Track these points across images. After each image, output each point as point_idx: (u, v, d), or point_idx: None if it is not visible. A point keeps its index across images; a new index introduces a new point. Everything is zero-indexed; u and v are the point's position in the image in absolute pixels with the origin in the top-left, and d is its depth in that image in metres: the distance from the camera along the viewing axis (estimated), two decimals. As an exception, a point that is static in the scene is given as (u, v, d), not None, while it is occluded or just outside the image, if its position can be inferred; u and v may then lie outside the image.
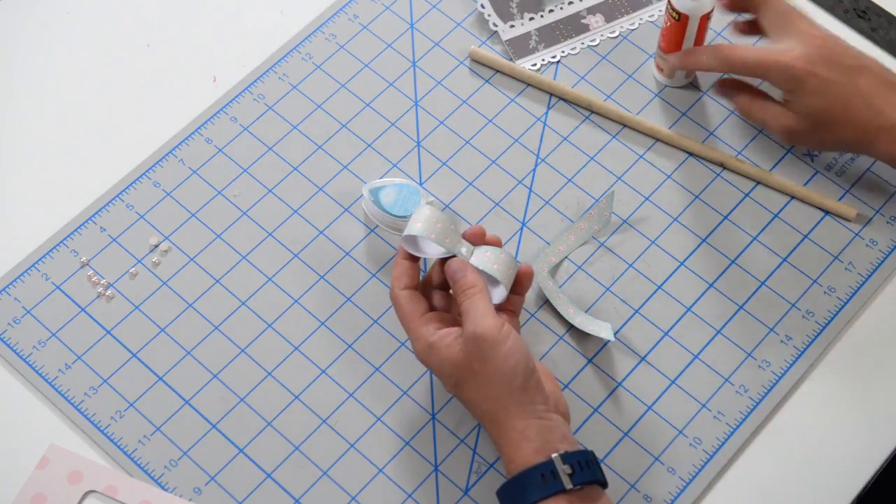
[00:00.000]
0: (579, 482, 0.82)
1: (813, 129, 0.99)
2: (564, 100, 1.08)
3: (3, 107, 1.07)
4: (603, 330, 0.96)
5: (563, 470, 0.82)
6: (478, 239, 0.90)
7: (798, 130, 0.99)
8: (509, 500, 0.84)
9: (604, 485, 0.84)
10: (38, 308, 0.98)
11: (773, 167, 1.04)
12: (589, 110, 1.07)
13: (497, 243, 0.91)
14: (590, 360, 0.97)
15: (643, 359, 0.97)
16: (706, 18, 1.02)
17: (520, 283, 0.90)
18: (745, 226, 1.02)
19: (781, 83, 0.98)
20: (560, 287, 0.99)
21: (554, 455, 0.82)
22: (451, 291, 0.91)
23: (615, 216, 1.02)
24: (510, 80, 1.09)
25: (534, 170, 1.04)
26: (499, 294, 0.90)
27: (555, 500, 0.82)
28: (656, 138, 1.06)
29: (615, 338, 0.97)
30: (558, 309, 0.97)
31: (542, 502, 0.82)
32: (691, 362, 0.97)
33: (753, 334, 0.98)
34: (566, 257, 1.00)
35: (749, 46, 1.01)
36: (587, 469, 0.83)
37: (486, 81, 1.09)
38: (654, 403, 0.95)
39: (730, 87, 1.04)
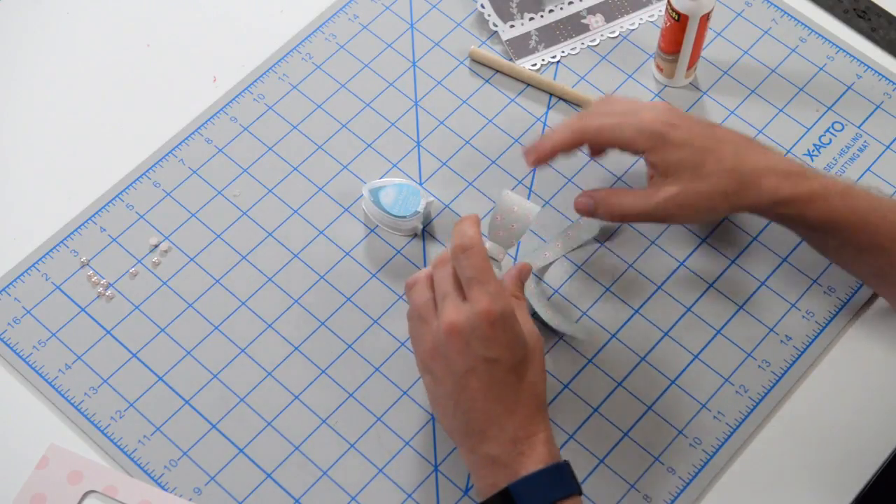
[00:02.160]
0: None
1: (686, 186, 0.90)
2: (564, 100, 1.08)
3: (4, 107, 1.07)
4: (580, 331, 0.96)
5: (573, 474, 0.84)
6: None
7: (671, 195, 0.90)
8: (544, 488, 0.83)
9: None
10: (38, 308, 0.98)
11: (773, 167, 1.04)
12: (589, 110, 1.07)
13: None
14: (590, 361, 0.97)
15: (643, 359, 0.97)
16: (706, 18, 1.02)
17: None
18: (745, 226, 1.02)
19: (642, 142, 0.91)
20: (560, 287, 0.99)
21: (565, 461, 0.84)
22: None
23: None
24: (510, 80, 1.09)
25: (534, 170, 1.04)
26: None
27: (570, 502, 0.83)
28: (656, 138, 1.06)
29: (611, 337, 0.97)
30: (538, 312, 0.97)
31: (563, 501, 0.82)
32: (691, 362, 0.97)
33: (753, 334, 0.98)
34: (552, 263, 1.00)
35: (603, 120, 0.94)
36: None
37: (486, 81, 1.09)
38: (653, 403, 0.95)
39: (586, 196, 0.95)
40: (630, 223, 0.95)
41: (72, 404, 0.94)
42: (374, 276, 1.00)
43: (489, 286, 0.83)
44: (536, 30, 1.11)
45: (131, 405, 0.95)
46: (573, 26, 1.11)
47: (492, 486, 0.83)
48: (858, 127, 1.07)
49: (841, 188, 0.91)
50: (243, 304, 0.98)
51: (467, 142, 1.06)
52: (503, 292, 0.83)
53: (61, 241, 1.01)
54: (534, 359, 0.85)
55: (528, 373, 0.85)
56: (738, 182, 0.91)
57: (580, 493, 0.84)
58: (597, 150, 0.99)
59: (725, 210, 0.93)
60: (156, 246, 1.01)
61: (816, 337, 0.98)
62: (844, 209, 0.90)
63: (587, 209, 0.94)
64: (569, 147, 0.94)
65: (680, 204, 0.91)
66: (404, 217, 0.99)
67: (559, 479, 0.83)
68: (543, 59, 1.10)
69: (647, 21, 1.12)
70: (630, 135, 0.92)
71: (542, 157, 0.94)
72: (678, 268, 1.00)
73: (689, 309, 0.99)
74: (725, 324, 0.98)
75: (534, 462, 0.83)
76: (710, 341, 0.97)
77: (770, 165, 0.91)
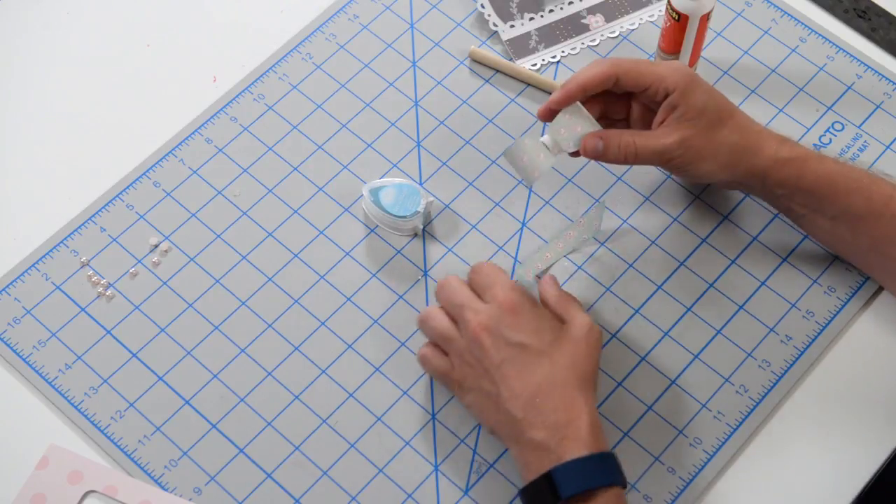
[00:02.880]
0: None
1: (702, 132, 0.93)
2: (564, 100, 1.08)
3: (4, 107, 1.07)
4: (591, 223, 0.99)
5: (619, 466, 0.85)
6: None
7: (686, 137, 0.93)
8: (585, 475, 0.84)
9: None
10: (38, 308, 0.98)
11: (773, 167, 1.04)
12: (589, 110, 1.07)
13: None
14: (590, 360, 0.97)
15: (643, 359, 0.97)
16: (706, 18, 1.02)
17: None
18: (745, 226, 1.02)
19: (674, 80, 0.93)
20: (560, 286, 0.99)
21: (613, 450, 0.87)
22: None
23: (616, 216, 1.02)
24: (510, 80, 1.09)
25: (534, 170, 1.04)
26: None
27: (612, 492, 0.84)
28: (656, 138, 1.06)
29: (611, 337, 0.97)
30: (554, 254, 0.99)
31: (602, 491, 0.83)
32: (691, 362, 0.97)
33: (753, 334, 0.98)
34: (553, 264, 1.00)
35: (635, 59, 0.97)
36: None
37: (486, 81, 1.09)
38: (654, 403, 0.95)
39: (595, 137, 0.95)
40: (639, 163, 0.94)
41: (72, 404, 0.94)
42: (374, 276, 1.00)
43: (504, 284, 0.90)
44: (536, 30, 1.11)
45: (131, 405, 0.95)
46: (573, 26, 1.11)
47: (536, 473, 0.85)
48: (858, 127, 1.07)
49: (834, 155, 0.96)
50: (243, 304, 0.98)
51: (467, 142, 1.06)
52: (520, 287, 0.90)
53: (61, 241, 1.01)
54: (567, 343, 0.88)
55: (562, 357, 0.87)
56: (745, 140, 0.94)
57: (624, 485, 0.85)
58: (615, 108, 0.97)
59: (727, 169, 0.95)
60: (156, 246, 1.01)
61: (816, 337, 0.98)
62: (839, 169, 0.94)
63: (595, 150, 0.94)
64: (597, 82, 0.93)
65: (692, 147, 0.93)
66: (404, 217, 0.99)
67: (603, 467, 0.84)
68: (543, 59, 1.10)
69: (647, 21, 1.12)
70: (664, 70, 0.94)
71: (566, 95, 0.93)
72: (678, 268, 1.00)
73: (689, 309, 0.99)
74: (725, 324, 0.98)
75: (578, 447, 0.84)
76: (710, 341, 0.97)
77: (769, 132, 0.96)
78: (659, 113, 0.94)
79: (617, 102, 0.97)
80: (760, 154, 0.94)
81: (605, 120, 0.98)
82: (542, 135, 0.94)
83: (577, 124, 0.94)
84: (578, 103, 0.94)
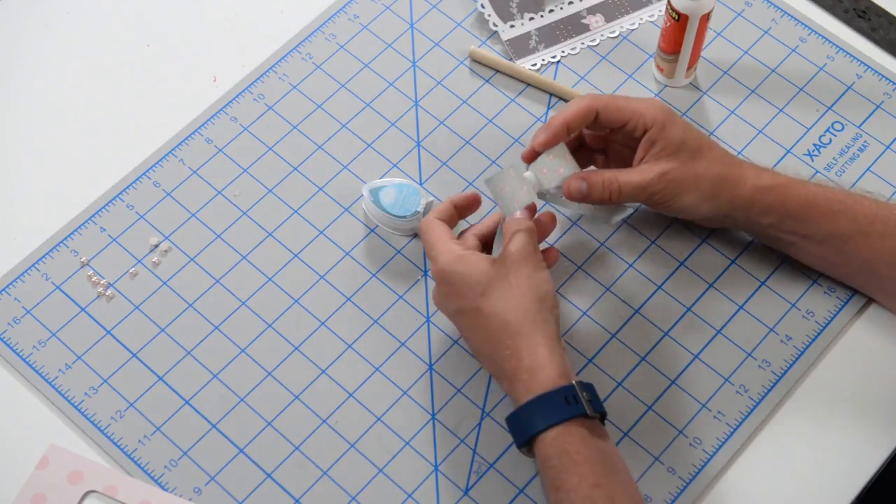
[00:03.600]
0: (596, 411, 0.85)
1: (683, 165, 0.93)
2: (564, 100, 1.07)
3: (4, 107, 1.07)
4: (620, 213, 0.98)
5: (584, 396, 0.85)
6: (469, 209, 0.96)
7: (668, 170, 0.93)
8: (525, 422, 0.85)
9: (604, 420, 0.87)
10: (38, 308, 0.98)
11: (774, 167, 1.04)
12: (589, 110, 1.07)
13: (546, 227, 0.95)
14: (590, 360, 0.97)
15: (643, 359, 0.97)
16: (706, 18, 1.02)
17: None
18: (745, 226, 1.02)
19: (652, 115, 0.93)
20: (561, 286, 0.99)
21: (575, 381, 0.86)
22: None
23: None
24: (510, 80, 1.09)
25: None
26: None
27: (574, 424, 0.84)
28: (656, 138, 1.06)
29: (611, 337, 0.97)
30: (554, 203, 0.98)
31: (563, 424, 0.84)
32: (691, 362, 0.97)
33: (753, 334, 0.98)
34: (564, 179, 0.95)
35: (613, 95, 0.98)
36: (596, 400, 0.86)
37: (486, 81, 1.09)
38: (653, 403, 0.95)
39: (578, 179, 0.95)
40: (623, 201, 0.94)
41: (72, 404, 0.94)
42: (374, 275, 1.00)
43: (432, 251, 0.92)
44: (536, 30, 1.11)
45: (131, 405, 0.95)
46: (573, 26, 1.11)
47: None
48: (858, 127, 1.07)
49: (815, 180, 0.97)
50: (243, 304, 0.98)
51: (467, 142, 1.06)
52: (444, 249, 0.91)
53: (61, 241, 1.01)
54: (497, 287, 0.88)
55: (491, 301, 0.88)
56: (727, 170, 0.94)
57: (589, 413, 0.84)
58: (595, 139, 0.99)
59: (709, 201, 0.94)
60: (156, 246, 1.01)
61: (816, 337, 0.98)
62: (821, 192, 0.94)
63: (580, 191, 0.94)
64: (579, 118, 0.94)
65: (673, 180, 0.94)
66: (404, 217, 0.99)
67: (546, 407, 0.85)
68: (543, 59, 1.10)
69: (647, 21, 1.12)
70: (641, 106, 0.94)
71: (552, 135, 0.94)
72: (678, 268, 1.00)
73: (689, 309, 0.99)
74: (725, 324, 0.98)
75: (523, 393, 0.86)
76: (710, 341, 0.97)
77: (749, 163, 0.96)
78: (639, 149, 0.95)
79: (595, 137, 0.99)
80: (742, 184, 0.94)
81: (585, 150, 0.99)
82: (527, 169, 0.94)
83: (560, 166, 0.94)
84: (563, 144, 0.94)
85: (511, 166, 0.93)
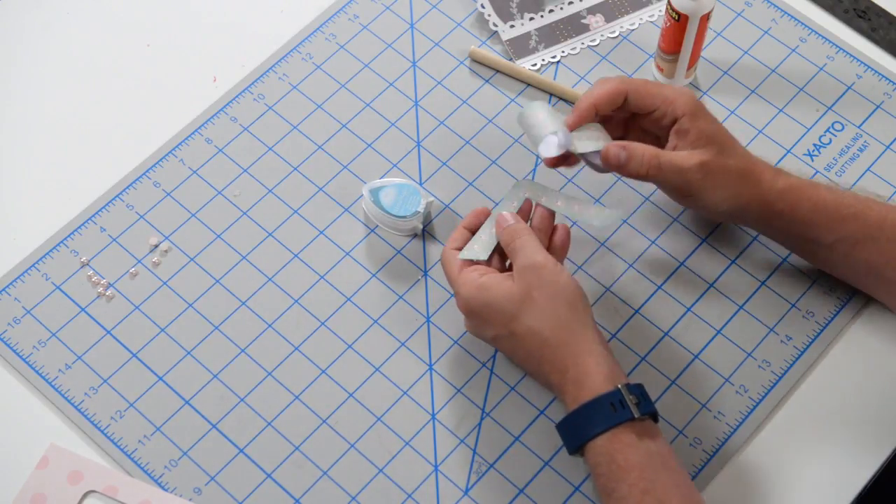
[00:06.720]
0: (644, 412, 0.85)
1: (716, 158, 0.92)
2: (564, 100, 1.08)
3: (4, 107, 1.07)
4: (601, 215, 0.94)
5: (631, 399, 0.85)
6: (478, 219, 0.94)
7: (704, 161, 0.92)
8: (573, 430, 0.85)
9: (656, 417, 0.87)
10: (38, 308, 0.98)
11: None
12: (589, 110, 1.07)
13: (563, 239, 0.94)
14: (590, 360, 0.97)
15: (643, 358, 0.97)
16: (706, 18, 1.02)
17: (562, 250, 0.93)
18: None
19: (683, 103, 0.93)
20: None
21: (621, 385, 0.85)
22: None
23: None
24: (510, 80, 1.09)
25: (534, 170, 1.04)
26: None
27: (622, 430, 0.84)
28: (656, 138, 1.06)
29: (611, 337, 0.97)
30: (549, 205, 0.94)
31: (610, 431, 0.84)
32: (691, 362, 0.97)
33: (753, 334, 0.98)
34: (597, 152, 0.94)
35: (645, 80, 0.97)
36: (645, 400, 0.86)
37: (486, 81, 1.09)
38: (654, 403, 0.95)
39: (618, 147, 0.93)
40: (652, 180, 0.93)
41: (72, 404, 0.94)
42: (374, 276, 1.00)
43: (453, 285, 0.91)
44: (536, 30, 1.11)
45: (131, 405, 0.95)
46: (573, 26, 1.11)
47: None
48: (858, 127, 1.07)
49: (825, 183, 0.96)
50: (243, 304, 0.98)
51: (467, 142, 1.06)
52: (463, 281, 0.90)
53: (61, 241, 1.01)
54: (525, 309, 0.88)
55: (524, 324, 0.88)
56: (750, 167, 0.94)
57: (634, 416, 0.84)
58: (620, 121, 0.97)
59: (734, 198, 0.93)
60: (156, 246, 1.01)
61: (816, 337, 0.98)
62: (832, 197, 0.93)
63: (618, 159, 0.92)
64: (608, 100, 0.93)
65: (710, 172, 0.92)
66: (404, 217, 0.99)
67: (592, 414, 0.85)
68: (543, 59, 1.10)
69: (647, 21, 1.12)
70: (672, 94, 0.93)
71: (579, 117, 0.93)
72: (678, 268, 1.00)
73: (689, 309, 0.99)
74: (725, 324, 0.98)
75: (569, 402, 0.86)
76: (710, 341, 0.97)
77: (764, 162, 0.95)
78: (671, 137, 0.94)
79: (615, 129, 0.97)
80: (761, 183, 0.93)
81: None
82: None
83: (596, 137, 0.93)
84: (598, 124, 0.94)
85: (539, 106, 0.93)
